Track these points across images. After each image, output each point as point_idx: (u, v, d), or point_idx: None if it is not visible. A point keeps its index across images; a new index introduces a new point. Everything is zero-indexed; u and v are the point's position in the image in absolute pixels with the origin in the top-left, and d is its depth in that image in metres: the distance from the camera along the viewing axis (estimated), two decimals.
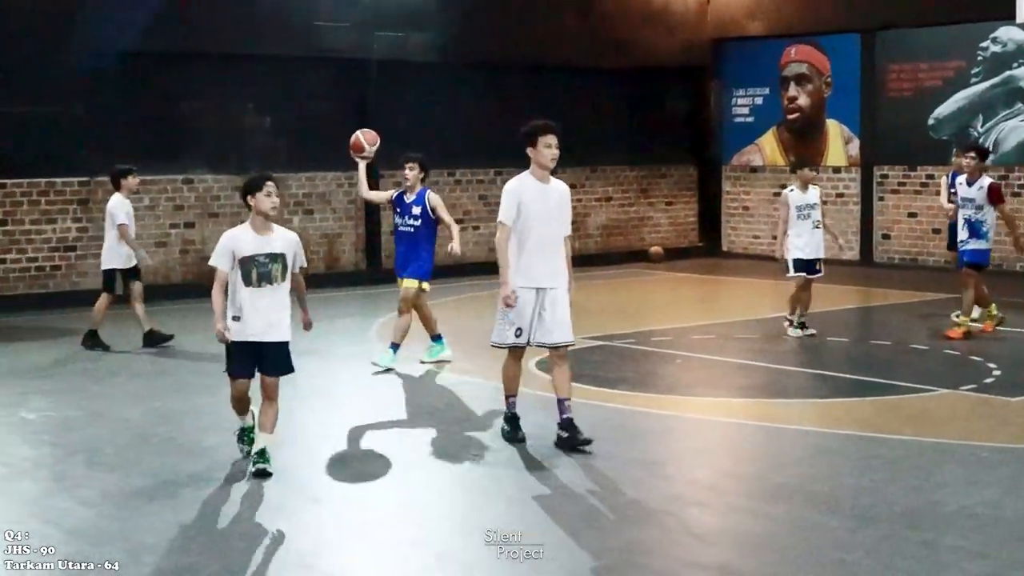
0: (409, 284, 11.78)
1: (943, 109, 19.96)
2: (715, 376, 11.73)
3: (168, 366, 12.28)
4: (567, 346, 8.88)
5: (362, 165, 12.37)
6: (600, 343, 13.10)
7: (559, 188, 8.98)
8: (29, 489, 7.97)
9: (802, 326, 13.44)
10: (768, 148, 22.14)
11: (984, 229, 13.23)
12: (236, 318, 7.98)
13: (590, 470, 8.38)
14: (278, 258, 8.03)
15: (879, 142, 20.73)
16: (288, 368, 8.25)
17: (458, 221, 20.10)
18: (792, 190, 13.56)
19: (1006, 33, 18.98)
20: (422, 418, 10.05)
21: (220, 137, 17.89)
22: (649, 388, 11.23)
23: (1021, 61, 19.05)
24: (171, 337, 13.29)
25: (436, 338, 12.19)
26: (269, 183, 8.10)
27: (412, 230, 11.80)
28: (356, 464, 8.63)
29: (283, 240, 8.15)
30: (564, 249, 8.92)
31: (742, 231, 22.76)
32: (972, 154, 13.37)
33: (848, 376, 11.68)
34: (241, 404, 8.39)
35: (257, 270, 7.95)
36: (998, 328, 13.59)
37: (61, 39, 16.04)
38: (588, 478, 8.22)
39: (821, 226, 13.46)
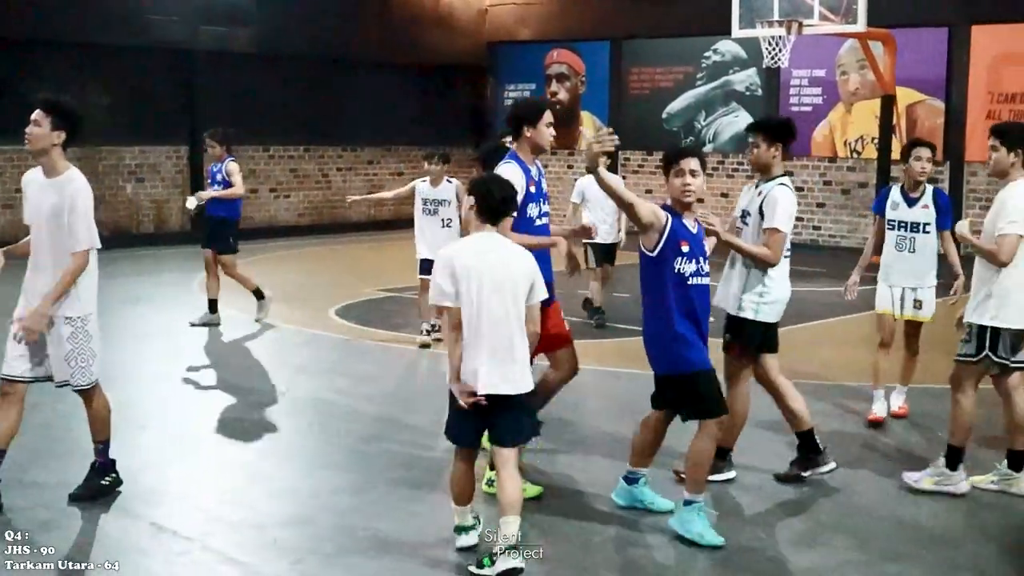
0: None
1: (674, 106, 20.83)
2: None
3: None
4: None
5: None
6: (391, 294, 13.48)
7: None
8: None
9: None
10: None
11: None
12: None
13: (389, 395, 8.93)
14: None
15: (623, 131, 21.19)
16: (529, 432, 5.47)
17: (271, 190, 20.59)
18: (424, 181, 10.61)
19: (724, 46, 19.85)
20: (236, 356, 10.44)
21: None
22: None
23: (736, 69, 20.00)
24: None
25: None
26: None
27: None
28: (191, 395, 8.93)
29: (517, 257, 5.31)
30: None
31: None
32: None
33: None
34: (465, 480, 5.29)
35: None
36: None
37: None
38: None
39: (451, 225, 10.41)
